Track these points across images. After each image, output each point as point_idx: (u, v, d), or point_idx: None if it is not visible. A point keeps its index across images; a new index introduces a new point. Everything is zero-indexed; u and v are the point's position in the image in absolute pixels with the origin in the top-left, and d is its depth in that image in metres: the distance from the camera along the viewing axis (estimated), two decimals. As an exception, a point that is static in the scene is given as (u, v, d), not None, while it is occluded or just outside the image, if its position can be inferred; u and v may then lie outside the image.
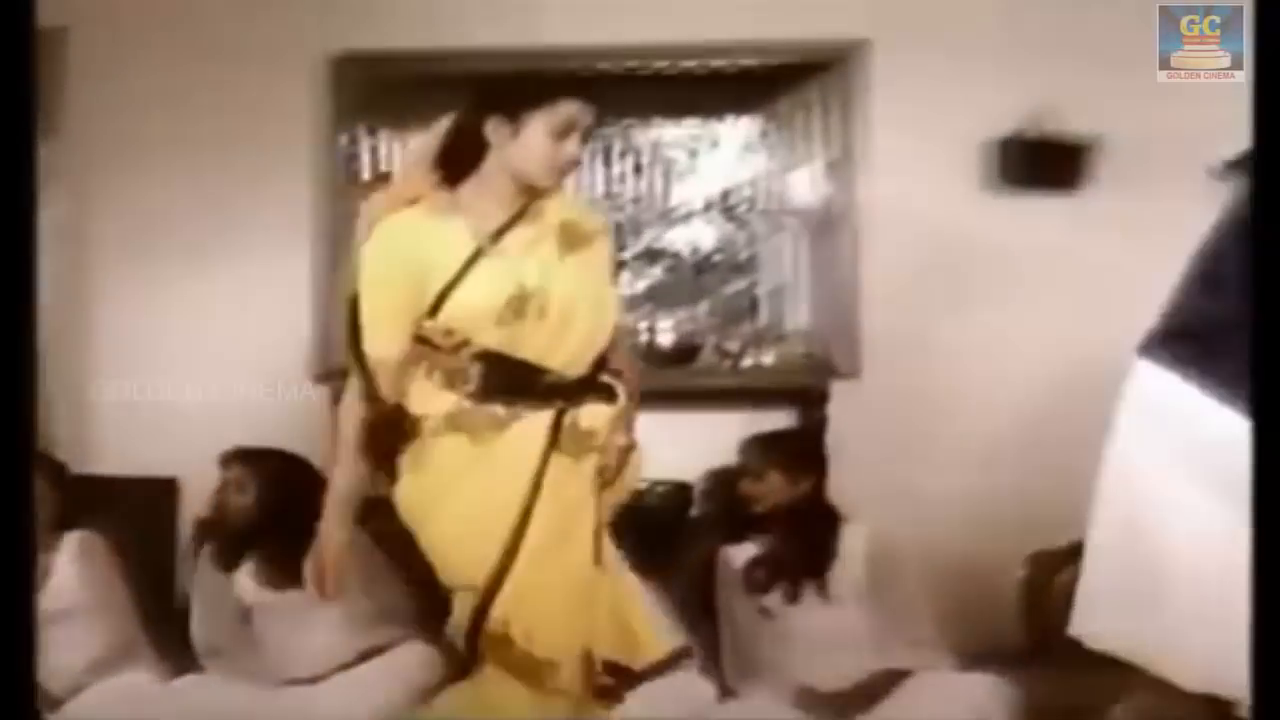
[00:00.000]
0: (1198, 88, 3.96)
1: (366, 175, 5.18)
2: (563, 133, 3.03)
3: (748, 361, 5.15)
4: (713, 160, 5.35)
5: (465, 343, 3.03)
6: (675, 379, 4.98)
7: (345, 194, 5.09)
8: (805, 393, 5.00)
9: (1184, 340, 2.74)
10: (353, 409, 3.12)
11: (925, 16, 5.01)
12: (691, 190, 5.35)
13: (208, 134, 5.02)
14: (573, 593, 3.02)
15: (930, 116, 4.98)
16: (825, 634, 4.13)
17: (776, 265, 5.32)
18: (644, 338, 5.10)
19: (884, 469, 4.69)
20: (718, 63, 5.08)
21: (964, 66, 4.95)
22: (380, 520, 3.30)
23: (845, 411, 4.93)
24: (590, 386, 3.10)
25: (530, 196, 3.11)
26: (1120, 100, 4.79)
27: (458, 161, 3.10)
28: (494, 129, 3.04)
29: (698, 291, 5.33)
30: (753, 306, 5.35)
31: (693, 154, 5.33)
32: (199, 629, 4.29)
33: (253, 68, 5.04)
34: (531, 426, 3.01)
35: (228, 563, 4.24)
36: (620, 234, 5.14)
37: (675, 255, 5.34)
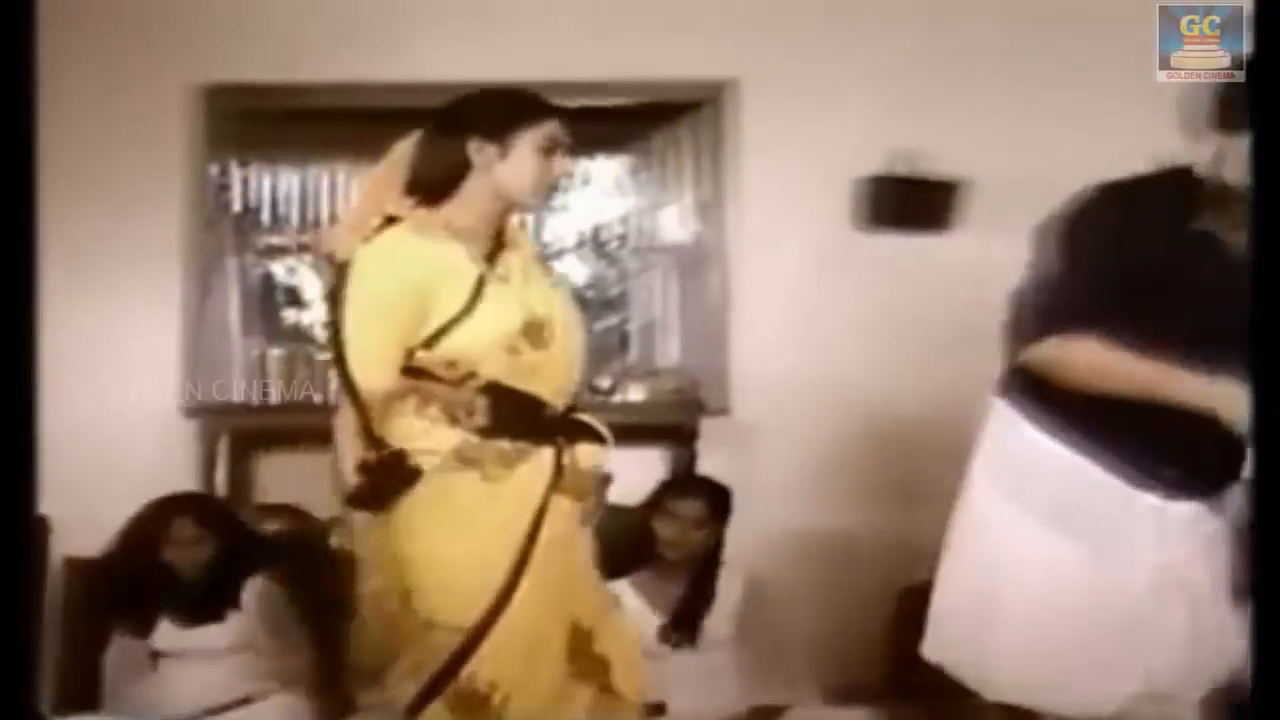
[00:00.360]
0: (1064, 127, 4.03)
1: (237, 207, 5.16)
2: (549, 150, 2.98)
3: (618, 398, 5.15)
4: (584, 197, 5.37)
5: (471, 374, 2.89)
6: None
7: (215, 225, 5.06)
8: (676, 429, 5.01)
9: (1020, 377, 2.84)
10: (351, 448, 2.88)
11: (795, 55, 5.05)
12: (563, 227, 5.37)
13: (79, 162, 4.87)
14: (562, 652, 2.94)
15: (800, 155, 5.03)
16: (697, 672, 4.12)
17: (647, 302, 5.36)
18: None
19: (753, 507, 4.61)
20: (590, 100, 5.08)
21: (835, 105, 5.02)
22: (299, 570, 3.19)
23: (714, 448, 4.95)
24: (578, 423, 3.03)
25: (504, 220, 3.04)
26: (984, 142, 4.90)
27: (438, 183, 2.97)
28: (478, 149, 2.94)
29: (569, 327, 5.32)
30: (623, 343, 5.39)
31: (564, 190, 5.34)
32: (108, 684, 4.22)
33: (125, 96, 4.97)
34: (538, 464, 2.91)
35: (143, 630, 4.16)
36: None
37: (547, 291, 5.32)
